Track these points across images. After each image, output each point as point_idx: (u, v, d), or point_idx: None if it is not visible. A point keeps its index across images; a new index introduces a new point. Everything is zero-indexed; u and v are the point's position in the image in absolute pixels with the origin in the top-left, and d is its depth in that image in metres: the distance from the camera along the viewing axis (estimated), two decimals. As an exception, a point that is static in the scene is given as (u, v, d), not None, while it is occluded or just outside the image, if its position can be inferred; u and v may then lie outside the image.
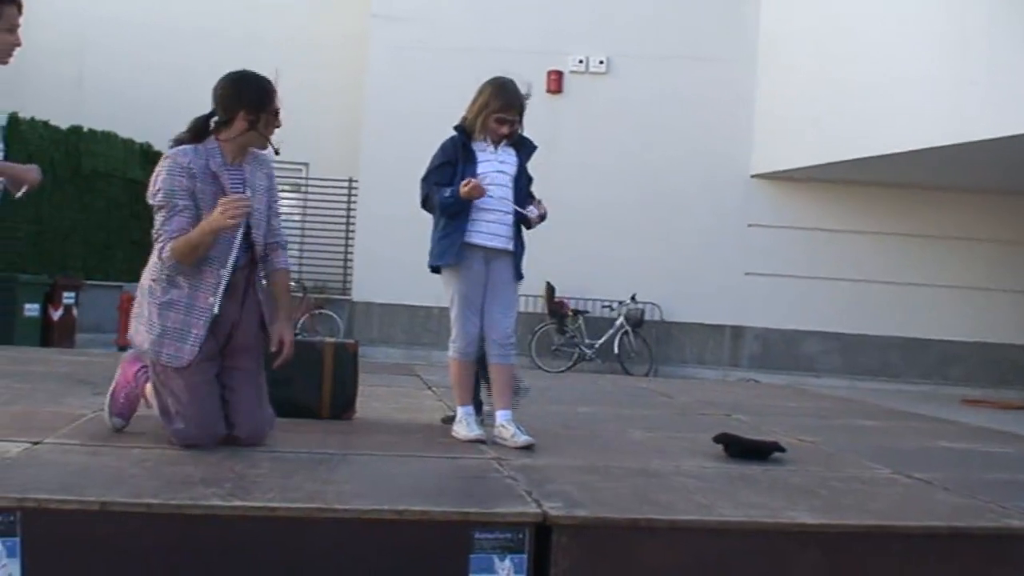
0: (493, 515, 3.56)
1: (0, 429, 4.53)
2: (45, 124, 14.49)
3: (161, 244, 4.33)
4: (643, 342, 16.14)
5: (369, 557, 3.45)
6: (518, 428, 5.05)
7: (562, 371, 14.85)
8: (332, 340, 6.61)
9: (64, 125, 15.01)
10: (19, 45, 4.02)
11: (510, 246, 5.16)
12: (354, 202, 17.12)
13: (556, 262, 15.07)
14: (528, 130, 5.30)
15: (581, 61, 16.85)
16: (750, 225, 16.85)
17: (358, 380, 5.71)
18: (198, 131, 4.47)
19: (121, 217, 15.46)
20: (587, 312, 16.46)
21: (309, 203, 17.71)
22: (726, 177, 16.76)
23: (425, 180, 5.18)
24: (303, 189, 17.40)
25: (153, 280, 4.40)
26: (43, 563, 3.29)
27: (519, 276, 5.25)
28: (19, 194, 4.15)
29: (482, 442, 5.04)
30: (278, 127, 4.57)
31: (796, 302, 16.73)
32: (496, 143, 5.16)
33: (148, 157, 15.35)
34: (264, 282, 4.66)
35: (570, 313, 16.27)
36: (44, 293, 13.34)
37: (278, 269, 4.65)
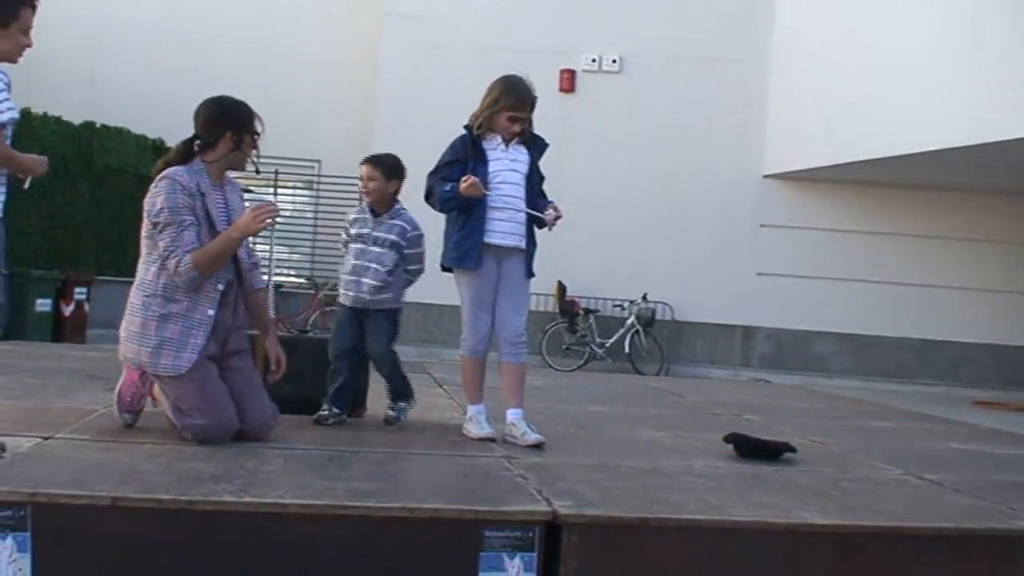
0: (503, 513, 3.57)
1: (12, 424, 4.55)
2: (58, 120, 14.51)
3: (176, 258, 4.44)
4: (654, 341, 16.10)
5: (379, 554, 3.46)
6: (528, 427, 5.06)
7: (573, 370, 14.82)
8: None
9: (77, 121, 15.04)
10: (31, 46, 4.05)
11: (522, 244, 5.16)
12: (366, 200, 17.07)
13: (567, 261, 15.05)
14: (540, 129, 5.29)
15: (594, 60, 16.82)
16: (762, 225, 16.80)
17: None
18: (185, 154, 4.67)
19: (133, 213, 15.26)
20: (598, 311, 16.43)
21: (321, 200, 17.72)
22: (738, 177, 16.71)
23: (432, 175, 5.19)
24: (315, 186, 17.41)
25: (147, 296, 4.53)
26: (54, 558, 3.30)
27: (531, 274, 5.25)
28: (26, 184, 4.18)
29: (492, 440, 5.05)
30: (257, 149, 4.80)
31: (808, 303, 16.68)
32: (507, 141, 5.16)
33: (161, 153, 15.36)
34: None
35: (581, 312, 16.24)
36: (56, 288, 13.37)
37: (256, 289, 4.90)
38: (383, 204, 5.50)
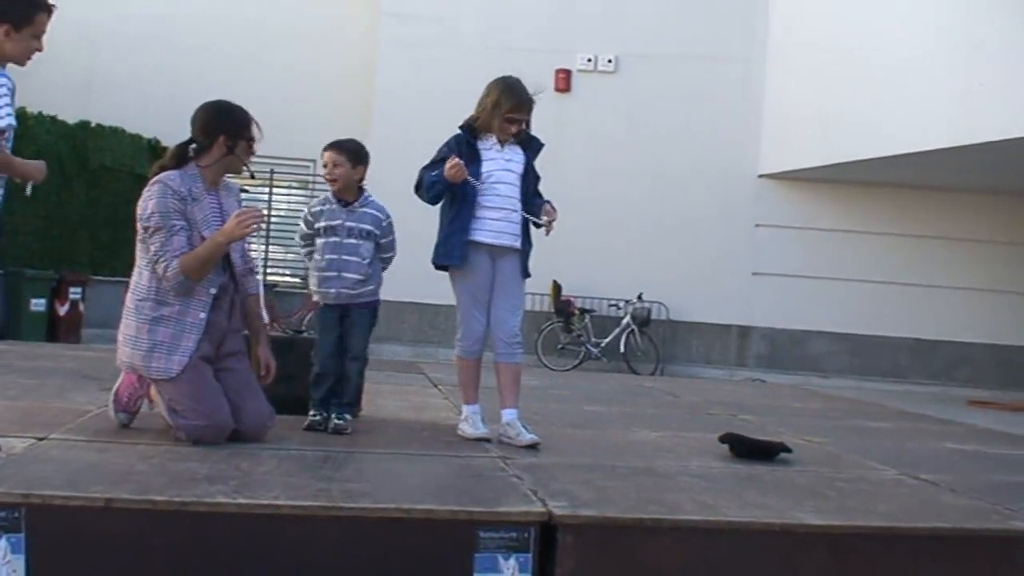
0: (498, 514, 3.56)
1: (6, 424, 4.54)
2: (53, 119, 14.49)
3: (165, 263, 4.47)
4: (649, 341, 16.11)
5: (374, 555, 3.45)
6: (523, 427, 5.06)
7: (568, 370, 14.82)
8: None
9: (72, 120, 15.02)
10: (41, 51, 4.04)
11: (516, 244, 5.15)
12: (362, 199, 17.06)
13: (563, 260, 15.04)
14: (536, 128, 5.29)
15: (590, 60, 16.82)
16: (758, 225, 16.81)
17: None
18: (180, 157, 4.68)
19: (129, 212, 15.18)
20: (593, 311, 16.43)
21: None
22: (734, 177, 16.72)
23: (423, 169, 5.17)
24: (310, 186, 17.38)
25: (140, 300, 4.56)
26: (48, 559, 3.29)
27: (526, 274, 5.24)
28: (27, 191, 4.18)
29: (487, 440, 5.04)
30: (253, 154, 4.80)
31: (803, 302, 16.69)
32: (503, 141, 5.15)
33: (156, 153, 15.34)
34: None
35: (576, 312, 16.24)
36: (51, 288, 13.36)
37: (250, 295, 4.90)
38: (350, 192, 5.30)
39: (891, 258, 16.55)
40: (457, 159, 4.93)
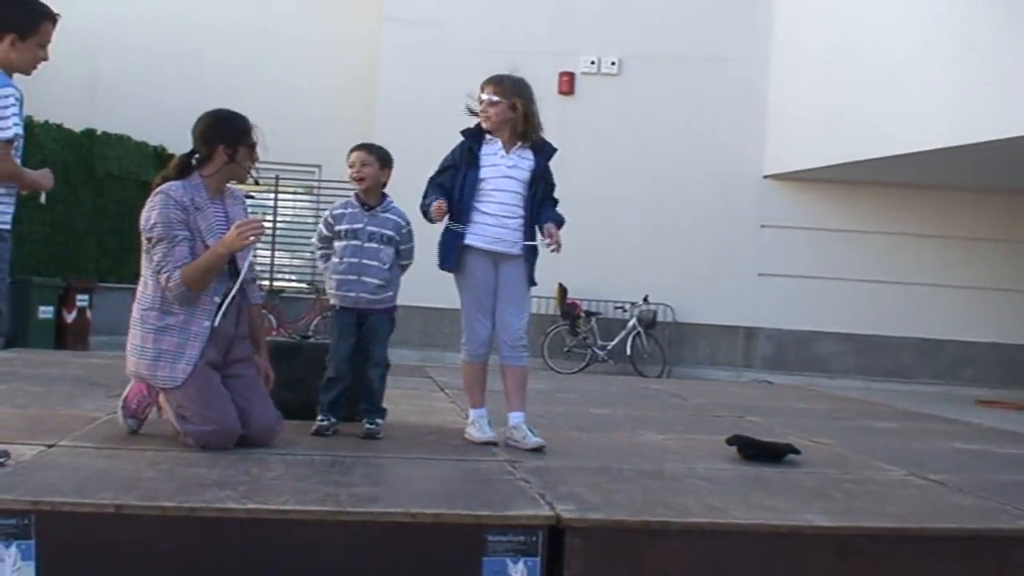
0: (506, 518, 3.56)
1: (15, 432, 4.55)
2: (59, 127, 14.54)
3: (167, 273, 4.50)
4: (656, 343, 16.11)
5: (382, 560, 3.46)
6: (530, 430, 5.05)
7: (574, 372, 14.82)
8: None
9: (78, 128, 15.06)
10: (47, 60, 4.06)
11: (514, 250, 5.11)
12: (367, 204, 17.07)
13: (568, 264, 14.90)
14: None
15: (593, 62, 16.84)
16: (763, 226, 16.81)
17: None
18: (182, 168, 4.70)
19: (135, 220, 15.30)
20: (599, 313, 16.44)
21: (322, 205, 17.71)
22: (738, 178, 16.73)
23: (430, 180, 5.18)
24: (316, 191, 17.41)
25: (145, 309, 4.59)
26: (58, 566, 3.30)
27: (530, 279, 5.22)
28: (42, 199, 4.21)
29: (494, 444, 5.04)
30: (256, 160, 4.81)
31: (809, 303, 16.69)
32: (510, 146, 5.12)
33: (162, 160, 15.38)
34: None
35: (582, 315, 16.26)
36: (58, 295, 13.40)
37: (252, 304, 4.91)
38: (374, 195, 5.31)
39: (896, 258, 16.55)
40: (442, 204, 4.96)
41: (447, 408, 6.65)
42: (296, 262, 17.62)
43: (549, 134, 5.37)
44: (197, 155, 4.71)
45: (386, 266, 5.25)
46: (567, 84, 16.62)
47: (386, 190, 5.41)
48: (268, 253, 15.87)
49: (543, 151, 5.20)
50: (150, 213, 4.57)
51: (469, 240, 5.06)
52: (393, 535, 3.47)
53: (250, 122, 4.77)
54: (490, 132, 5.12)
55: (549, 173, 5.22)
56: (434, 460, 4.68)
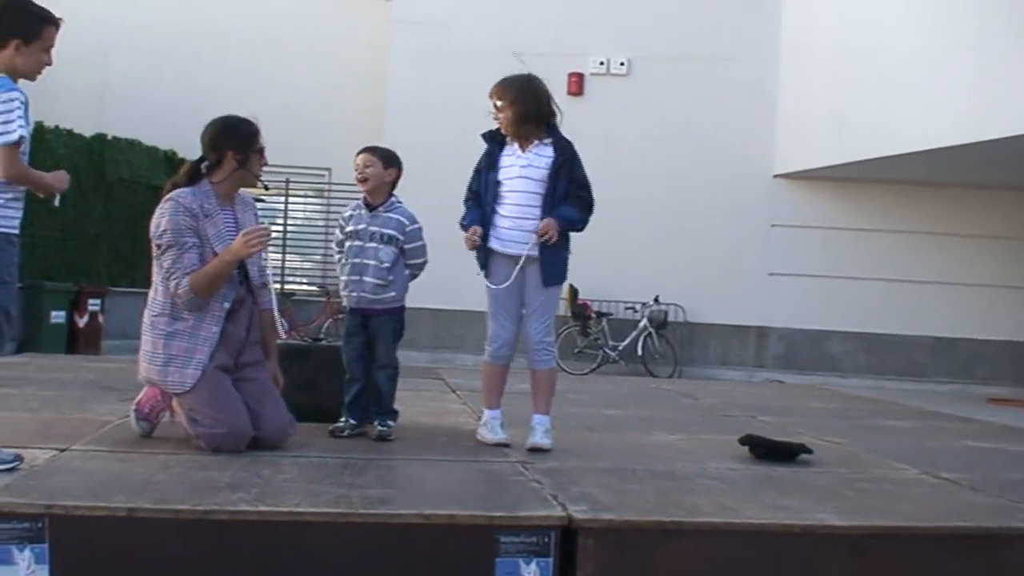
0: (519, 519, 3.56)
1: (27, 436, 4.56)
2: (70, 132, 14.58)
3: (176, 280, 4.53)
4: (667, 343, 16.09)
5: (395, 561, 3.46)
6: (541, 432, 5.05)
7: (586, 373, 14.82)
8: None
9: (88, 133, 15.10)
10: (50, 64, 4.07)
11: (527, 252, 5.11)
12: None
13: (579, 264, 14.82)
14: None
15: (602, 63, 16.82)
16: (773, 225, 16.78)
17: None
18: (192, 175, 4.72)
19: (146, 224, 15.33)
20: (610, 314, 16.43)
21: (332, 208, 17.75)
22: (749, 177, 16.69)
23: (467, 189, 5.24)
24: (326, 194, 17.44)
25: (156, 315, 4.62)
26: (71, 569, 3.31)
27: (549, 281, 5.22)
28: (56, 202, 4.22)
29: (507, 446, 5.04)
30: (265, 165, 4.84)
31: (820, 302, 16.65)
32: (522, 145, 5.14)
33: (173, 164, 15.43)
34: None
35: (593, 315, 16.24)
36: (70, 300, 13.42)
37: (264, 309, 4.92)
38: (379, 195, 5.31)
39: (907, 256, 16.50)
40: (474, 234, 5.03)
41: (459, 409, 6.65)
42: (307, 265, 17.66)
43: (558, 135, 5.38)
44: (206, 162, 4.73)
45: (384, 265, 5.23)
46: (576, 85, 16.60)
47: (396, 191, 5.42)
48: (279, 256, 15.90)
49: (559, 146, 5.22)
50: (160, 220, 4.60)
51: (491, 244, 5.09)
52: (406, 537, 3.47)
53: (257, 127, 4.79)
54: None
55: (573, 168, 5.24)
56: (446, 461, 4.68)
